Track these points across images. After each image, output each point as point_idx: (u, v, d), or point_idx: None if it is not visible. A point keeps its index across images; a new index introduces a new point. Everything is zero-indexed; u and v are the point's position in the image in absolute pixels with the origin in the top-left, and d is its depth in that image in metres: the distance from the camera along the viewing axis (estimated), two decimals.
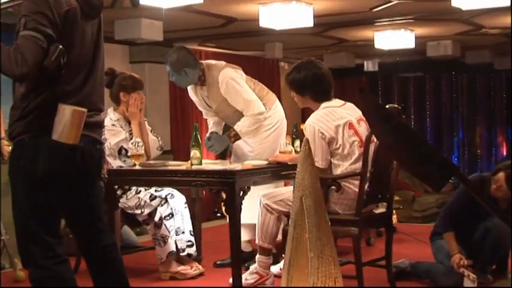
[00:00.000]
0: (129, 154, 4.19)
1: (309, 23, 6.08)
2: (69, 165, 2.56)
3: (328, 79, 3.84)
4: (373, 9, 6.56)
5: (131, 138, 4.29)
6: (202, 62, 4.57)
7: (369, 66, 10.80)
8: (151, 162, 4.20)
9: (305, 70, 3.84)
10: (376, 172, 3.70)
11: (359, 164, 3.68)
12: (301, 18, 6.02)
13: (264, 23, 6.13)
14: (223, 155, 6.46)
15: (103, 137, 4.26)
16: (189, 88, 4.65)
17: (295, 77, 3.87)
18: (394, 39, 7.85)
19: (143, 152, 4.07)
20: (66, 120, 2.50)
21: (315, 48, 9.38)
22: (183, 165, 4.09)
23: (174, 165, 4.20)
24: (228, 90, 4.41)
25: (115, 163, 4.30)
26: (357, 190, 3.67)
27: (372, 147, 3.66)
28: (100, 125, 2.76)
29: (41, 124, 2.52)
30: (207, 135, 4.63)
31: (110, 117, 4.38)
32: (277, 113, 4.63)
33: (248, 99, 4.42)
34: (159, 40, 6.91)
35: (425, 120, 11.18)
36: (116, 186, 4.01)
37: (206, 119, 4.86)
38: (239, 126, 4.42)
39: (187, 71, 4.40)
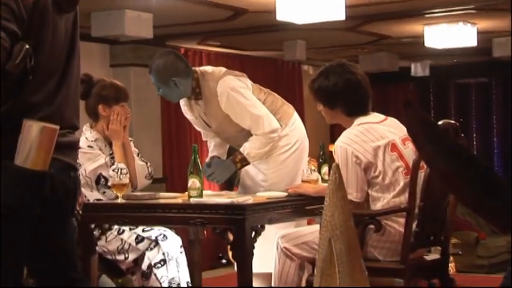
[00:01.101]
0: (109, 184, 4.22)
1: (339, 15, 6.11)
2: (36, 198, 2.58)
3: (364, 87, 3.86)
4: None
5: (112, 164, 4.32)
6: (196, 69, 4.58)
7: (418, 70, 10.82)
8: (138, 193, 4.23)
9: (335, 76, 3.87)
10: (427, 207, 3.70)
11: (404, 197, 3.68)
12: (330, 9, 6.05)
13: (283, 15, 6.17)
14: (230, 185, 6.47)
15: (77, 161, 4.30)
16: (182, 103, 4.66)
17: (322, 85, 3.90)
18: (450, 35, 7.88)
19: (127, 181, 4.09)
20: (32, 139, 2.52)
21: (347, 48, 9.42)
22: (179, 198, 4.11)
23: (167, 197, 4.21)
24: (230, 104, 4.43)
25: (92, 195, 4.33)
26: (402, 230, 3.66)
27: (421, 175, 3.67)
28: (74, 147, 2.79)
29: (0, 145, 2.55)
30: (207, 160, 4.65)
31: (86, 136, 4.41)
32: (295, 131, 4.65)
33: (256, 114, 4.44)
34: (148, 38, 6.99)
35: (491, 139, 11.16)
36: (93, 225, 4.04)
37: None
38: (247, 149, 4.43)
39: (177, 81, 4.41)
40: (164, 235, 4.39)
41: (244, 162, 4.45)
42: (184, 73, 4.44)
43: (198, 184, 3.91)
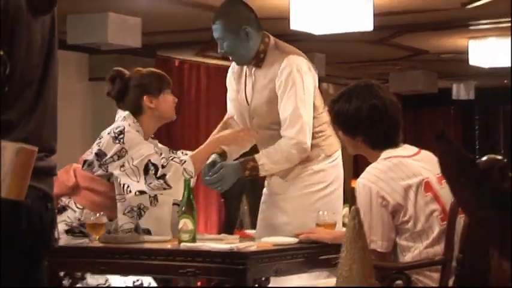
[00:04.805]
0: (159, 174, 4.24)
1: (366, 25, 6.14)
2: (9, 233, 2.61)
3: (392, 116, 3.85)
4: (467, 5, 6.64)
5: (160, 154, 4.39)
6: (268, 34, 4.55)
7: (460, 92, 10.85)
8: (119, 236, 4.24)
9: (358, 99, 3.86)
10: (467, 259, 3.70)
11: (440, 247, 3.68)
12: (355, 17, 6.08)
13: (298, 23, 6.21)
14: (229, 228, 6.45)
15: (121, 147, 4.32)
16: (231, 71, 4.66)
17: (343, 109, 3.89)
18: (499, 51, 7.90)
19: (105, 220, 4.12)
20: (7, 164, 2.54)
21: (375, 64, 9.46)
22: (167, 243, 4.12)
23: (154, 241, 4.22)
24: (286, 82, 4.38)
25: (136, 186, 4.29)
26: (437, 286, 3.67)
27: (460, 221, 3.67)
28: (52, 172, 2.81)
29: None
30: (210, 159, 4.51)
31: (129, 123, 4.43)
32: (336, 169, 4.58)
33: (300, 112, 4.36)
34: (135, 47, 7.03)
35: None
36: (62, 273, 4.04)
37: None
38: (262, 159, 4.36)
39: (249, 31, 4.40)
40: None
41: (254, 172, 4.38)
42: (256, 24, 4.45)
43: (190, 226, 3.92)
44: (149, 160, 4.29)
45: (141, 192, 4.26)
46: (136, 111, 4.48)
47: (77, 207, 4.29)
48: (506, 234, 1.62)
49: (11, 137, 2.59)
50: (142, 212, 4.30)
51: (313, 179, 4.51)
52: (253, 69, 4.51)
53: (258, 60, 4.47)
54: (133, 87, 4.49)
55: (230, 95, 4.72)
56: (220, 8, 4.48)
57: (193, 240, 3.92)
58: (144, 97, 4.46)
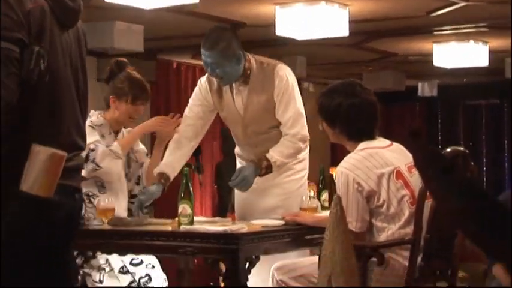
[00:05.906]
0: (96, 206, 4.17)
1: (342, 31, 6.15)
2: (41, 225, 2.61)
3: (371, 114, 3.83)
4: (431, 13, 6.64)
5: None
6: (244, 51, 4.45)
7: (425, 89, 10.86)
8: (126, 218, 4.22)
9: (340, 96, 3.85)
10: (434, 239, 3.70)
11: (410, 228, 3.68)
12: (333, 24, 6.09)
13: (282, 30, 6.21)
14: (222, 211, 6.44)
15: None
16: (208, 86, 4.49)
17: (324, 103, 3.89)
18: (459, 54, 7.91)
19: (113, 205, 4.09)
20: (40, 166, 2.55)
21: (350, 65, 9.46)
22: (168, 225, 4.11)
23: (156, 223, 4.22)
24: (286, 88, 4.35)
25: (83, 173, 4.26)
26: (407, 263, 3.67)
27: (428, 205, 3.67)
28: (80, 169, 2.83)
29: (2, 166, 2.57)
30: (154, 186, 4.42)
31: (91, 120, 4.38)
32: (307, 157, 4.60)
33: (300, 111, 4.38)
34: (138, 51, 7.00)
35: (503, 164, 11.16)
36: (76, 252, 4.03)
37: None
38: (274, 156, 4.31)
39: (240, 56, 4.32)
40: (149, 277, 4.35)
41: (269, 170, 4.33)
42: (242, 47, 4.37)
43: (189, 210, 3.91)
44: (89, 148, 4.21)
45: (83, 178, 4.22)
46: (106, 105, 4.46)
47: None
48: (468, 219, 1.62)
49: (42, 137, 2.59)
50: (92, 199, 4.28)
51: (298, 167, 4.53)
52: (240, 86, 4.42)
53: (245, 77, 4.40)
54: (111, 83, 4.45)
55: (199, 105, 4.56)
56: (211, 35, 4.30)
57: (191, 223, 3.91)
58: (111, 96, 4.42)
